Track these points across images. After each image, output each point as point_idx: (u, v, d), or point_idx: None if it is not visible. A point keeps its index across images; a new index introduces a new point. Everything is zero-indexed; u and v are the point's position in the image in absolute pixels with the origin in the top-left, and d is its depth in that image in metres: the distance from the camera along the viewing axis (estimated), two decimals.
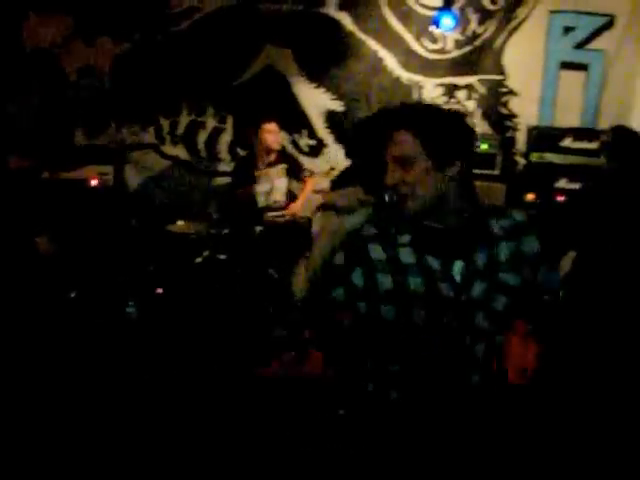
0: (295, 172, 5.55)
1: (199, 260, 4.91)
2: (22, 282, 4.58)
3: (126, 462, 3.40)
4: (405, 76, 5.94)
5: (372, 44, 5.88)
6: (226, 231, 5.05)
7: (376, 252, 1.92)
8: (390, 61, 5.92)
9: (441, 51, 5.96)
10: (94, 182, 5.59)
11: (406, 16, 5.89)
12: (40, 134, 5.94)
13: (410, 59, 5.93)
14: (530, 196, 5.65)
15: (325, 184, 5.15)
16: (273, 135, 5.28)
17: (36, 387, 3.92)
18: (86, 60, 6.06)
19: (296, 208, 5.41)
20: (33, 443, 3.41)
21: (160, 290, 5.08)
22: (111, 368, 4.31)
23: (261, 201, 5.37)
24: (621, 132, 3.99)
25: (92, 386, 4.07)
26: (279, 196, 5.43)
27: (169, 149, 6.00)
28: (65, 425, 3.62)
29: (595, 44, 6.00)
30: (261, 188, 5.35)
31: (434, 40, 5.93)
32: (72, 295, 4.87)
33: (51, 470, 3.25)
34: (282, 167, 5.44)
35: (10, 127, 5.73)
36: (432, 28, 5.71)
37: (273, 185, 5.39)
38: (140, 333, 4.82)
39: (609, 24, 5.96)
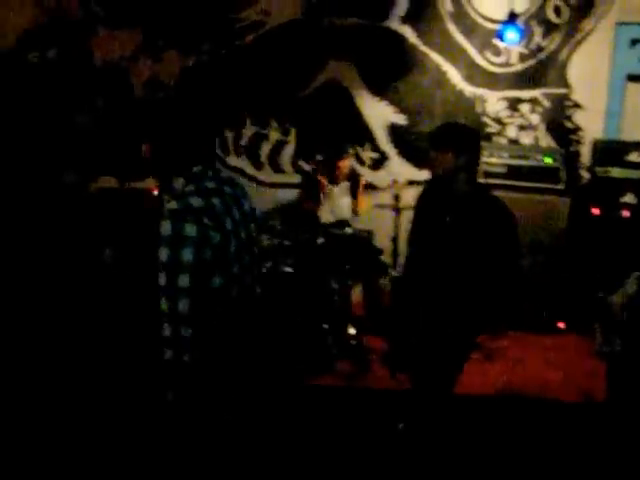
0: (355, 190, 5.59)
1: (262, 271, 4.95)
2: (89, 293, 4.72)
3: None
4: (468, 89, 5.93)
5: (435, 57, 5.89)
6: (288, 242, 5.10)
7: None
8: (453, 74, 5.91)
9: (505, 64, 5.93)
10: (157, 192, 5.72)
11: (470, 29, 5.88)
12: (107, 145, 6.11)
13: (473, 72, 5.93)
14: (595, 211, 5.57)
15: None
16: (346, 169, 5.36)
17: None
18: (153, 73, 6.21)
19: (360, 207, 5.50)
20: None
21: None
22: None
23: (324, 217, 5.42)
24: None
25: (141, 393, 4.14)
26: (342, 213, 5.48)
27: (233, 160, 6.10)
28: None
29: None
30: (326, 205, 5.42)
31: (498, 53, 5.90)
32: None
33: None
34: (345, 185, 5.49)
35: (73, 139, 5.91)
36: (496, 41, 5.69)
37: (336, 203, 5.44)
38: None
39: None
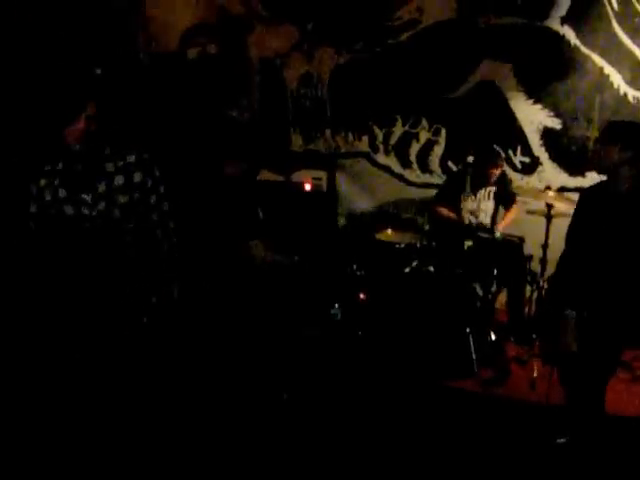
0: (504, 198, 5.49)
1: (407, 270, 4.98)
2: (231, 285, 4.92)
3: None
4: (632, 94, 5.61)
5: (597, 60, 5.61)
6: (434, 243, 5.10)
7: None
8: (616, 78, 5.61)
9: None
10: (308, 186, 5.88)
11: (638, 30, 5.58)
12: (259, 138, 6.33)
13: (639, 76, 5.62)
14: None
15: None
16: (496, 176, 5.29)
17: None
18: (306, 69, 6.36)
19: (505, 222, 5.40)
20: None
21: (362, 296, 5.21)
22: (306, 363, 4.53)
23: (466, 219, 5.36)
24: None
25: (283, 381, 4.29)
26: (484, 218, 5.40)
27: (381, 158, 6.15)
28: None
29: None
30: (467, 206, 5.36)
31: None
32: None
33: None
34: (491, 190, 5.40)
35: (229, 131, 6.15)
36: None
37: (479, 206, 5.36)
38: (342, 335, 5.00)
39: None
